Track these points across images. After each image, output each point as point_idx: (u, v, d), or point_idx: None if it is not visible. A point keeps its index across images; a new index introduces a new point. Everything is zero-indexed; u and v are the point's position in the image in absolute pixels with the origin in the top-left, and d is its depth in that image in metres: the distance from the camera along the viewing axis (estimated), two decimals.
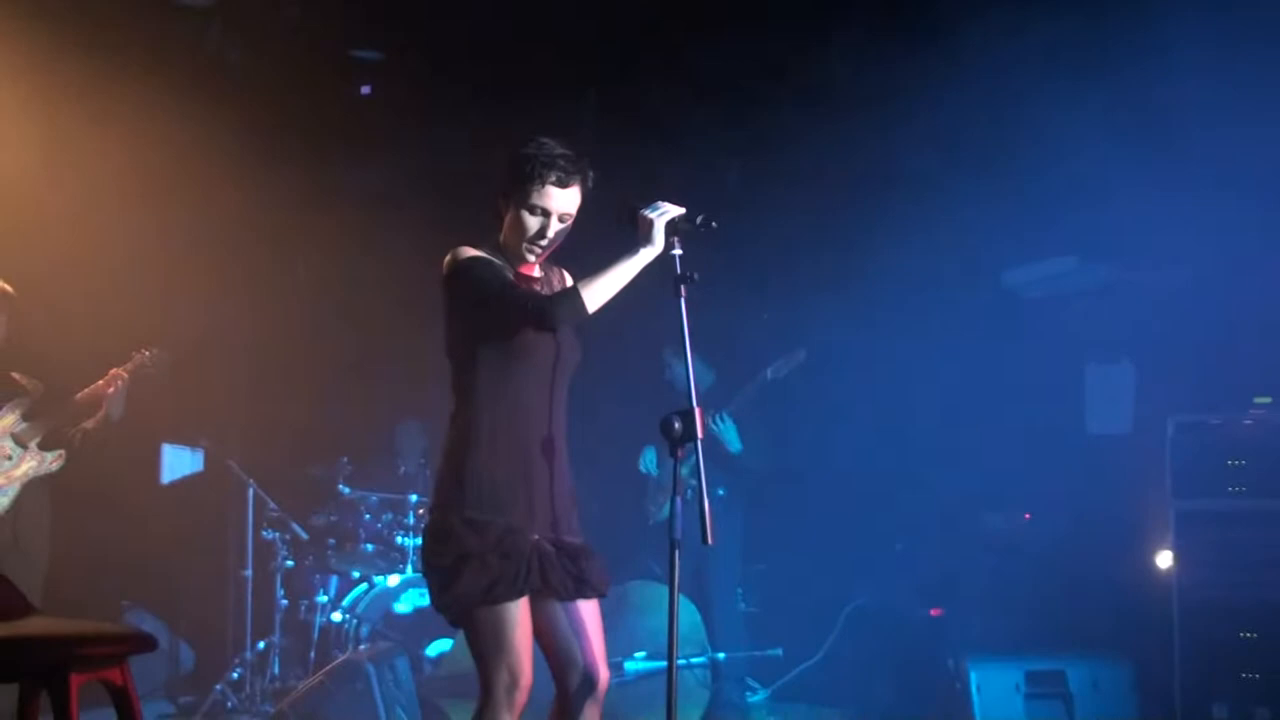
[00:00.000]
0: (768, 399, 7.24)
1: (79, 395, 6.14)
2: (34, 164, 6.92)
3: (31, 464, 6.02)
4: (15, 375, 6.12)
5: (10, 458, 5.96)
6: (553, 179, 3.79)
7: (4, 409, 5.99)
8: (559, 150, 3.82)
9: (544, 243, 3.85)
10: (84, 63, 6.86)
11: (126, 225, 7.31)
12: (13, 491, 5.94)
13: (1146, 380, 7.26)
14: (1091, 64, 6.44)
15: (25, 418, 6.03)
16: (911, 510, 7.58)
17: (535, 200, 3.81)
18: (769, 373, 7.14)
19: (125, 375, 6.19)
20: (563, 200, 3.82)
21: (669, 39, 7.17)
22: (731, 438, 7.18)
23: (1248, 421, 6.14)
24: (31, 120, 6.89)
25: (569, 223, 3.86)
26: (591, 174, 3.88)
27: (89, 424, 6.17)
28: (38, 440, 6.04)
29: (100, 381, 6.16)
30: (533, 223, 3.83)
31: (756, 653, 7.46)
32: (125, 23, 7.02)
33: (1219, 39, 5.91)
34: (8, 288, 6.03)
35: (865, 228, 7.48)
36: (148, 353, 6.30)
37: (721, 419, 7.14)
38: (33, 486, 6.02)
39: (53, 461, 6.08)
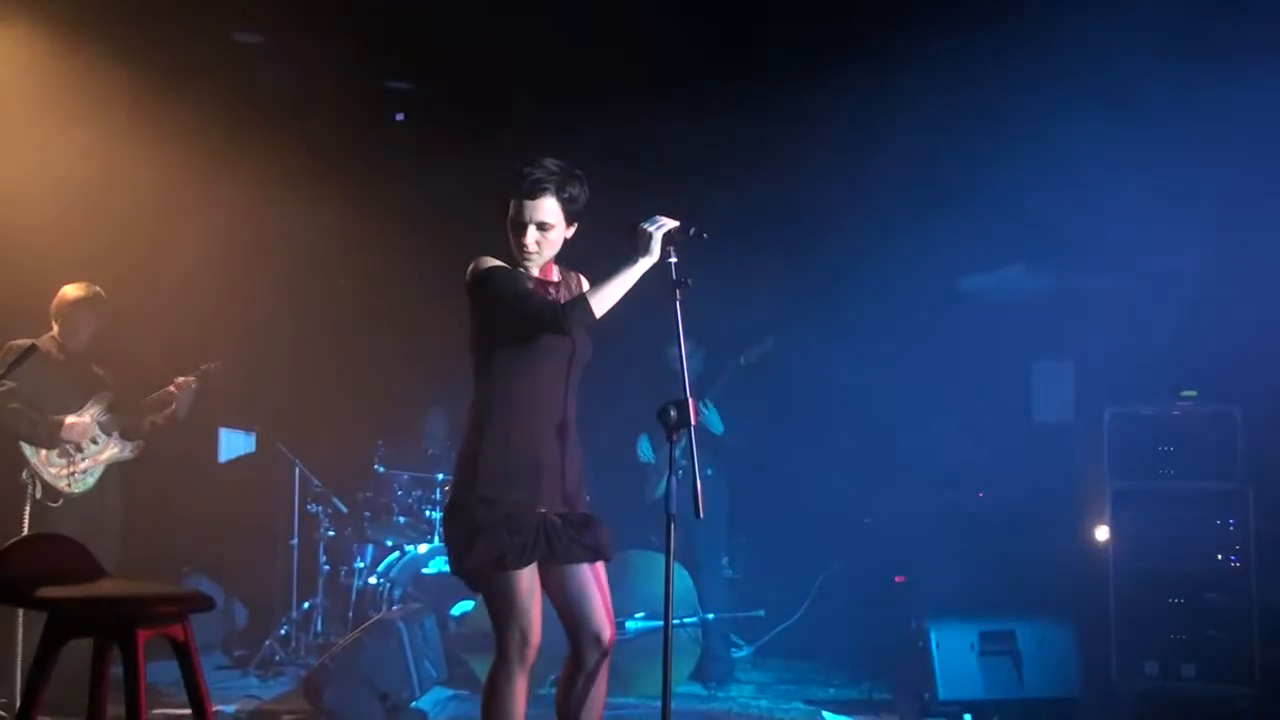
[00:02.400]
0: (744, 384, 7.22)
1: (151, 397, 6.24)
2: (119, 184, 6.93)
3: (114, 450, 6.11)
4: (96, 368, 6.18)
5: (96, 443, 6.04)
6: (524, 192, 3.79)
7: (91, 402, 6.05)
8: (528, 168, 3.81)
9: (528, 249, 3.83)
10: (160, 95, 6.91)
11: (193, 237, 7.34)
12: (98, 473, 6.04)
13: (1086, 375, 7.24)
14: (1040, 96, 6.42)
15: (108, 410, 6.11)
16: (879, 489, 7.57)
17: (513, 214, 3.83)
18: (742, 359, 7.13)
19: (193, 382, 6.30)
20: (535, 211, 3.80)
21: (666, 75, 7.16)
22: (715, 421, 7.16)
23: (1176, 412, 6.13)
24: (115, 144, 6.91)
25: (550, 231, 3.84)
26: (571, 186, 3.84)
27: (158, 419, 6.26)
28: (119, 430, 6.13)
29: (170, 387, 6.24)
30: (515, 233, 3.84)
31: (741, 614, 7.45)
32: (193, 59, 7.06)
33: (1156, 60, 5.90)
34: (100, 291, 6.13)
35: (839, 241, 7.48)
36: (212, 365, 6.42)
37: (705, 405, 7.11)
38: (113, 469, 6.12)
39: (131, 449, 6.18)
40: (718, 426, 7.16)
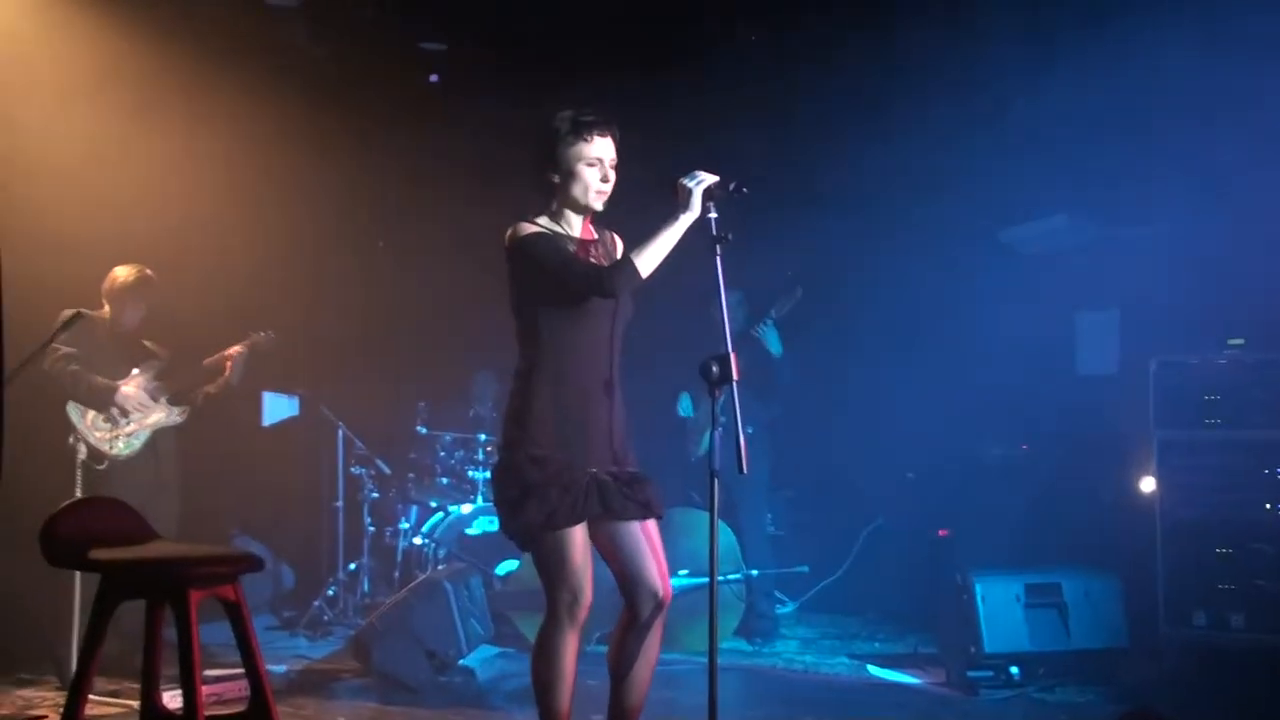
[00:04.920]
0: (782, 334, 7.22)
1: (207, 363, 6.38)
2: (152, 160, 6.91)
3: (160, 415, 6.21)
4: (148, 344, 6.31)
5: (144, 407, 6.15)
6: (597, 131, 3.79)
7: (140, 369, 6.20)
8: (573, 112, 3.83)
9: (607, 188, 3.83)
10: (194, 63, 6.88)
11: (240, 209, 7.32)
12: (144, 436, 6.14)
13: (1131, 325, 7.18)
14: (1089, 43, 6.34)
15: (157, 377, 6.25)
16: (922, 443, 7.55)
17: (573, 158, 3.80)
18: (773, 312, 7.13)
19: (245, 351, 6.43)
20: (606, 148, 3.82)
21: (704, 33, 7.13)
22: (773, 340, 7.15)
23: (1222, 361, 6.06)
24: (153, 121, 6.88)
25: (614, 169, 3.85)
26: (617, 130, 3.87)
27: (211, 388, 6.39)
28: (167, 397, 6.25)
29: (227, 356, 6.38)
30: (593, 174, 3.82)
31: (785, 570, 7.47)
32: (226, 26, 7.03)
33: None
34: (150, 273, 6.23)
35: (879, 192, 7.43)
36: (263, 334, 6.53)
37: (766, 323, 7.12)
38: (163, 433, 6.22)
39: (179, 415, 6.29)
40: (777, 347, 7.14)
